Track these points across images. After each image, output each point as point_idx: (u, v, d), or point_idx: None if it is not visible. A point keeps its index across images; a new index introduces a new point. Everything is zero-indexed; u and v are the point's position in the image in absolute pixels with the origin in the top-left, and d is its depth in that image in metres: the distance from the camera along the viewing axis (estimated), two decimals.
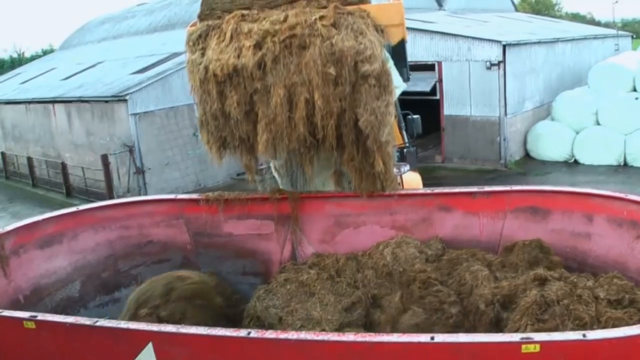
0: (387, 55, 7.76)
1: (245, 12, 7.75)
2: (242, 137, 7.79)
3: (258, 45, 7.41)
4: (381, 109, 7.37)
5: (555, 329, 5.82)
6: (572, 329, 5.77)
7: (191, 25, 8.23)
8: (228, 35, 7.60)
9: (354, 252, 7.98)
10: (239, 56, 7.47)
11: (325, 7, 7.60)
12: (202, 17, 8.09)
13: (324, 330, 6.65)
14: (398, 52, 8.10)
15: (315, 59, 7.25)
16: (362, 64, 7.25)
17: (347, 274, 7.66)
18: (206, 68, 7.63)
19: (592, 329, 5.71)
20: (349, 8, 7.60)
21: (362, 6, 7.72)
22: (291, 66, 7.36)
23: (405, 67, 8.64)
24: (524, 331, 6.04)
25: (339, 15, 7.46)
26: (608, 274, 6.53)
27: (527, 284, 6.52)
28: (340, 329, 6.82)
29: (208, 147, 8.03)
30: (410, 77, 8.66)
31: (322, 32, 7.31)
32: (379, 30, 7.63)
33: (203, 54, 7.76)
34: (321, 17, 7.38)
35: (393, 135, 7.69)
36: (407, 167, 11.52)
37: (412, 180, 10.47)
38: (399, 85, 8.11)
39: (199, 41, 7.85)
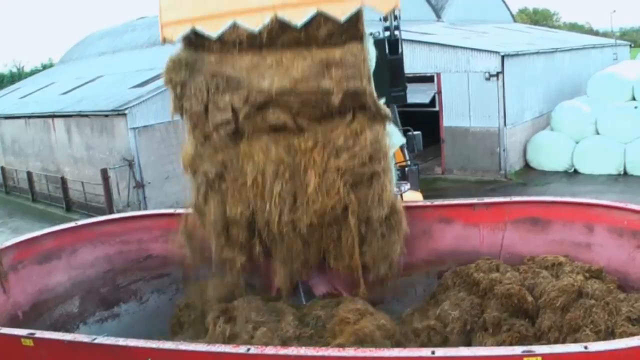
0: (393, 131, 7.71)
1: None
2: None
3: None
4: (384, 249, 7.45)
5: (571, 323, 6.08)
6: (581, 333, 5.94)
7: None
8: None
9: None
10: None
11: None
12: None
13: None
14: (395, 63, 8.01)
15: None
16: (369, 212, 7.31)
17: None
18: None
19: (605, 338, 5.72)
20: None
21: None
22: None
23: (402, 76, 8.52)
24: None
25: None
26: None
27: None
28: None
29: None
30: (408, 88, 8.57)
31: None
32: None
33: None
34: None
35: (393, 267, 7.69)
36: (407, 185, 11.43)
37: (412, 200, 10.37)
38: (396, 142, 8.05)
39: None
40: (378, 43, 8.10)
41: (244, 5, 7.27)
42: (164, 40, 7.70)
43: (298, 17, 7.06)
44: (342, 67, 7.02)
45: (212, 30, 7.33)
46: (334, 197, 7.21)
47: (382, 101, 7.39)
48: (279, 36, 7.19)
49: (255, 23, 7.16)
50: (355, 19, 7.12)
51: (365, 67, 7.16)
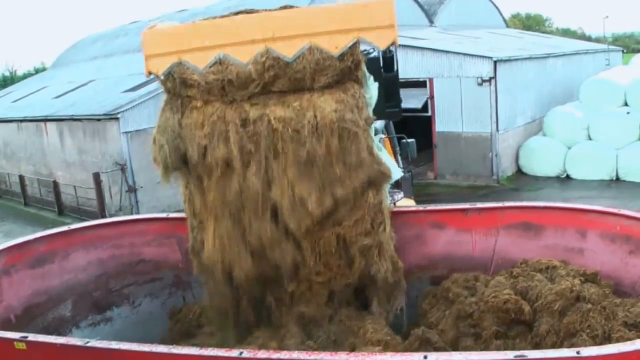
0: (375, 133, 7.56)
1: None
2: None
3: None
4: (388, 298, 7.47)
5: (568, 327, 6.04)
6: (578, 338, 5.91)
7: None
8: None
9: None
10: None
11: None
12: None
13: None
14: (390, 80, 7.94)
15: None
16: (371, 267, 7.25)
17: None
18: None
19: (601, 343, 5.72)
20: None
21: (347, 5, 6.87)
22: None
23: (397, 93, 8.41)
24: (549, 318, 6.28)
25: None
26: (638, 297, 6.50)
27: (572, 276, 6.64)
28: None
29: None
30: (402, 97, 8.51)
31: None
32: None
33: None
34: None
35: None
36: (401, 194, 11.40)
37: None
38: (394, 175, 8.02)
39: None
40: (372, 61, 7.93)
41: (233, 39, 6.97)
42: (149, 74, 7.37)
43: (289, 50, 6.75)
44: (341, 140, 6.76)
45: (199, 63, 7.01)
46: (335, 269, 7.14)
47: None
48: (270, 84, 6.90)
49: (244, 56, 6.86)
50: (352, 59, 6.87)
51: (363, 114, 6.95)
